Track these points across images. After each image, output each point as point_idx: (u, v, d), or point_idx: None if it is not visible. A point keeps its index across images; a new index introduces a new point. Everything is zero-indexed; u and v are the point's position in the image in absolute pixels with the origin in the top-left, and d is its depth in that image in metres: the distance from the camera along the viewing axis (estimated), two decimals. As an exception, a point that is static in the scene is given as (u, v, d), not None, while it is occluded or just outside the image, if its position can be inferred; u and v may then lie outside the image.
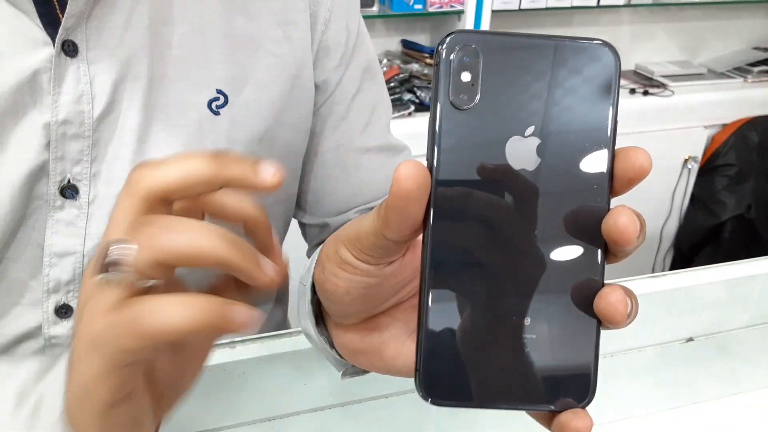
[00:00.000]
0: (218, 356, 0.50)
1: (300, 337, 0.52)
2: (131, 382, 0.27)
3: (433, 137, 0.25)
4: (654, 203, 1.95)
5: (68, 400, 0.29)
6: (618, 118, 0.26)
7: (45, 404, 0.33)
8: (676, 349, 0.65)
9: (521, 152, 0.25)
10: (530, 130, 0.25)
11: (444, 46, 0.25)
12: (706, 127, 1.89)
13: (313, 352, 0.52)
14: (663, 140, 1.83)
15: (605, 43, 0.25)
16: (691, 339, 0.65)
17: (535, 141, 0.25)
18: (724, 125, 1.91)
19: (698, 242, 2.00)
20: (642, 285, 0.60)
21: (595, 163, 0.25)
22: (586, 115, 0.25)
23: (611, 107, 0.25)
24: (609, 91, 0.25)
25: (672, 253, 2.08)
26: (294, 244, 0.66)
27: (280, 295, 0.72)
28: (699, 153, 1.91)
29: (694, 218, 1.99)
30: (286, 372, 0.53)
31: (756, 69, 2.11)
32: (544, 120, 0.25)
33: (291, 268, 0.79)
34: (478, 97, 0.25)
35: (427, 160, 0.25)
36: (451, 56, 0.25)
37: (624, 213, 0.24)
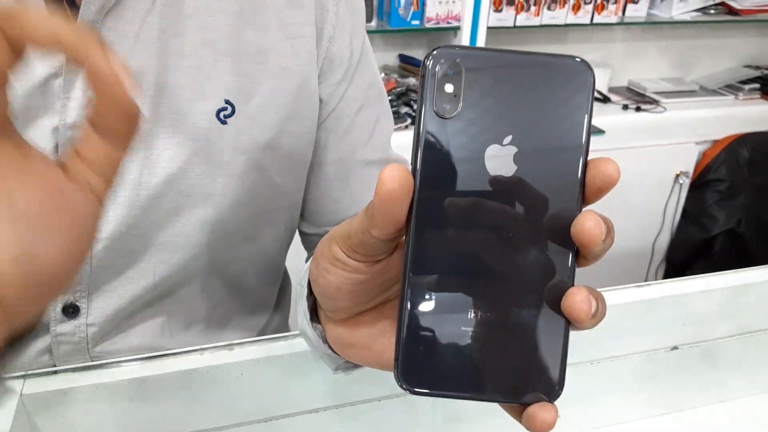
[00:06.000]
0: (216, 357, 0.52)
1: (296, 340, 0.54)
2: None
3: (417, 143, 0.27)
4: (646, 217, 1.98)
5: None
6: (591, 131, 0.27)
7: None
8: (661, 357, 0.67)
9: (499, 159, 0.27)
10: (508, 139, 0.27)
11: (430, 59, 0.27)
12: (697, 143, 1.92)
13: (309, 354, 0.53)
14: (655, 155, 1.85)
15: (580, 60, 0.27)
16: (676, 347, 0.67)
17: (513, 149, 0.27)
18: (715, 141, 1.93)
19: (689, 256, 2.02)
20: (628, 294, 0.62)
21: (568, 172, 0.27)
22: (561, 127, 0.27)
23: (585, 120, 0.27)
24: (583, 104, 0.27)
25: (664, 267, 2.09)
26: (295, 252, 0.68)
27: (279, 302, 0.73)
28: (690, 168, 1.93)
29: (685, 232, 2.01)
30: (283, 374, 0.54)
31: (747, 87, 2.15)
32: (522, 130, 0.27)
33: (292, 275, 0.81)
34: (460, 107, 0.27)
35: (411, 164, 0.27)
36: (437, 69, 0.27)
37: (590, 217, 0.26)
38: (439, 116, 0.27)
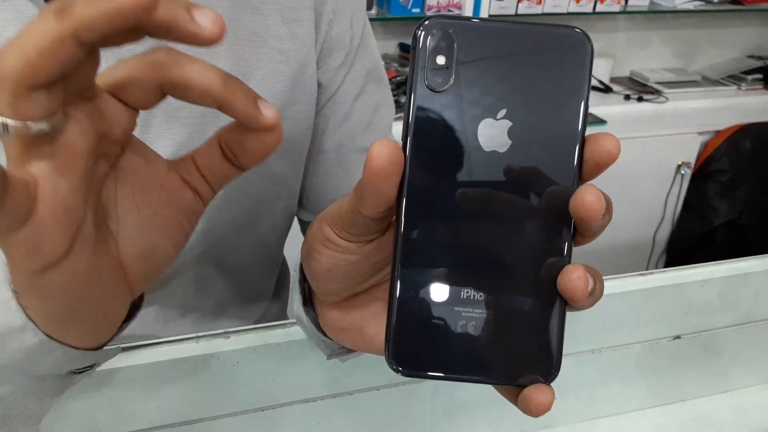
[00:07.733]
0: (212, 345, 0.51)
1: (294, 328, 0.53)
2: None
3: (408, 117, 0.26)
4: (647, 208, 1.97)
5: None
6: (589, 104, 0.26)
7: None
8: (664, 346, 0.66)
9: (493, 134, 0.26)
10: (502, 113, 0.26)
11: (421, 30, 0.26)
12: (699, 133, 1.90)
13: (306, 343, 0.53)
14: (656, 146, 1.84)
15: (579, 30, 0.26)
16: (678, 337, 0.66)
17: (507, 123, 0.26)
18: (718, 132, 1.92)
19: (691, 248, 2.02)
20: (630, 282, 0.61)
21: (564, 147, 0.26)
22: (558, 100, 0.26)
23: (583, 93, 0.26)
24: (581, 76, 0.26)
25: (664, 258, 2.09)
26: (294, 240, 0.67)
27: (277, 291, 0.72)
28: (692, 159, 1.92)
29: (686, 224, 2.00)
30: (280, 362, 0.53)
31: (750, 77, 2.14)
32: (516, 103, 0.26)
33: (290, 264, 0.80)
34: (452, 79, 0.26)
35: (402, 139, 0.26)
36: (428, 40, 0.26)
37: (590, 191, 0.25)
38: (430, 89, 0.26)
